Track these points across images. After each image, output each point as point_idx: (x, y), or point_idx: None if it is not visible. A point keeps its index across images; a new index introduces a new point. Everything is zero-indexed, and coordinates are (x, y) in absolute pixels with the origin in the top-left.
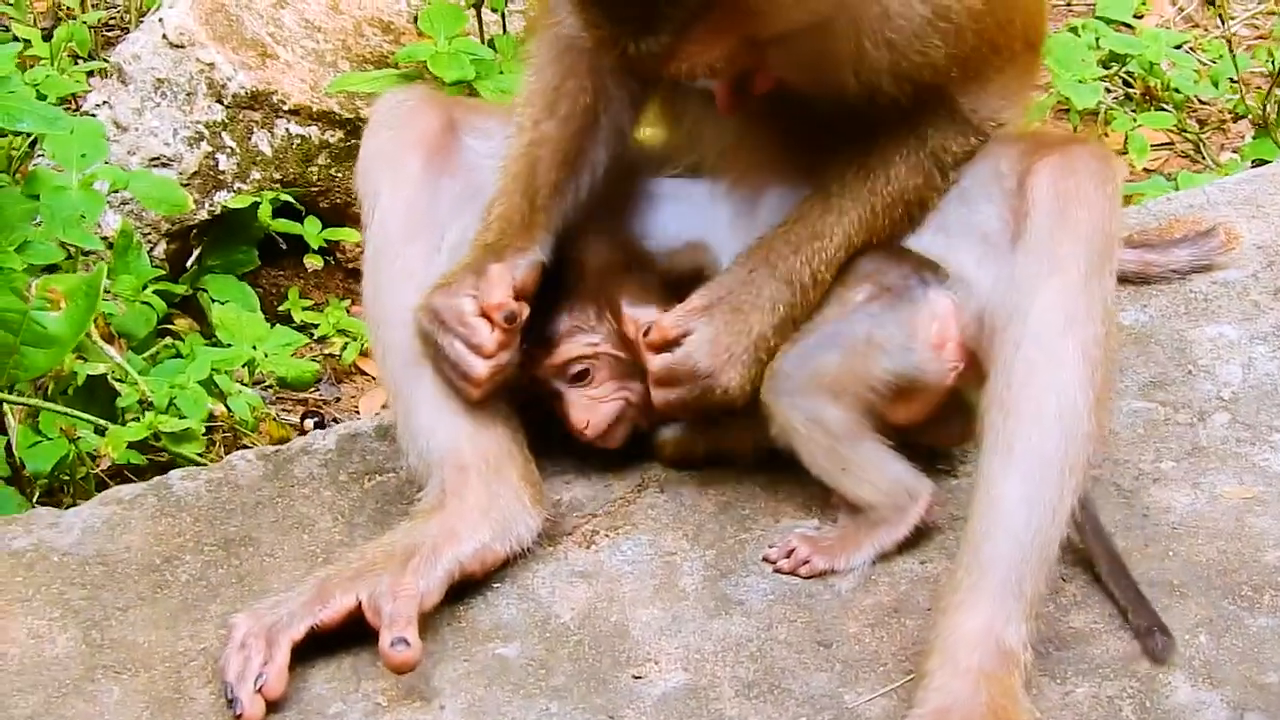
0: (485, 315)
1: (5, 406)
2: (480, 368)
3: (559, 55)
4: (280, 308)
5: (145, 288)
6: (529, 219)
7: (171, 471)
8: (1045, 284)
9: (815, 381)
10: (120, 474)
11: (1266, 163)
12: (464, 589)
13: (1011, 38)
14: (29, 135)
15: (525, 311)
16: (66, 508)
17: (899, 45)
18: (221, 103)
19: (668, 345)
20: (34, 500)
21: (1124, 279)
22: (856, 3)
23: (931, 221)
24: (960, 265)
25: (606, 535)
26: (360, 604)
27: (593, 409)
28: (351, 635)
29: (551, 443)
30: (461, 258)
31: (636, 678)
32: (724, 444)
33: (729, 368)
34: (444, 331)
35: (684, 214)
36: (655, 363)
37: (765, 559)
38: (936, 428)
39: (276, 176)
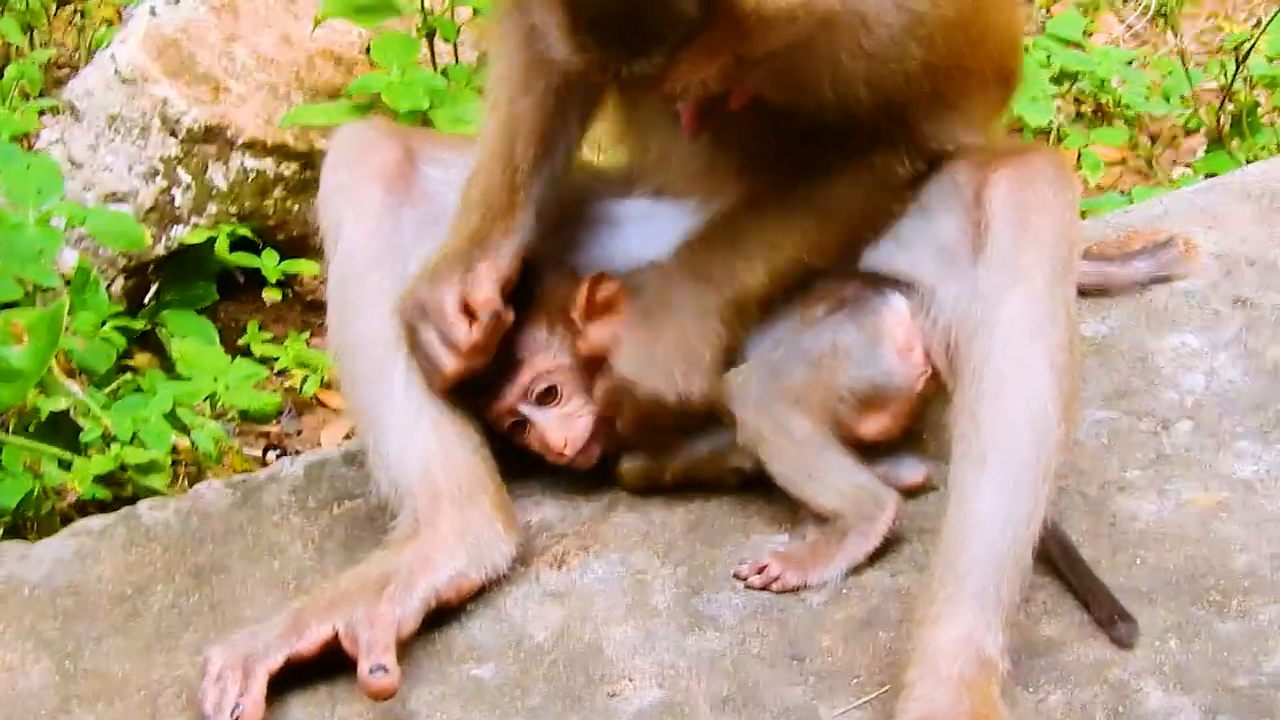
0: (468, 311)
1: None
2: (451, 364)
3: (527, 37)
4: (240, 341)
5: (104, 324)
6: (509, 200)
7: (140, 502)
8: (1010, 294)
9: (782, 393)
10: (85, 511)
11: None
12: (438, 612)
13: (982, 62)
14: None
15: (509, 317)
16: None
17: (876, 55)
18: (176, 137)
19: (596, 359)
20: None
21: (1084, 292)
22: (839, 15)
23: (890, 235)
24: (921, 280)
25: (577, 555)
26: (337, 633)
27: (568, 426)
28: (326, 663)
29: (517, 465)
30: (445, 244)
31: (611, 695)
32: (688, 473)
33: (661, 377)
34: (424, 323)
35: (648, 235)
36: (595, 391)
37: (736, 575)
38: (893, 467)
39: (233, 210)
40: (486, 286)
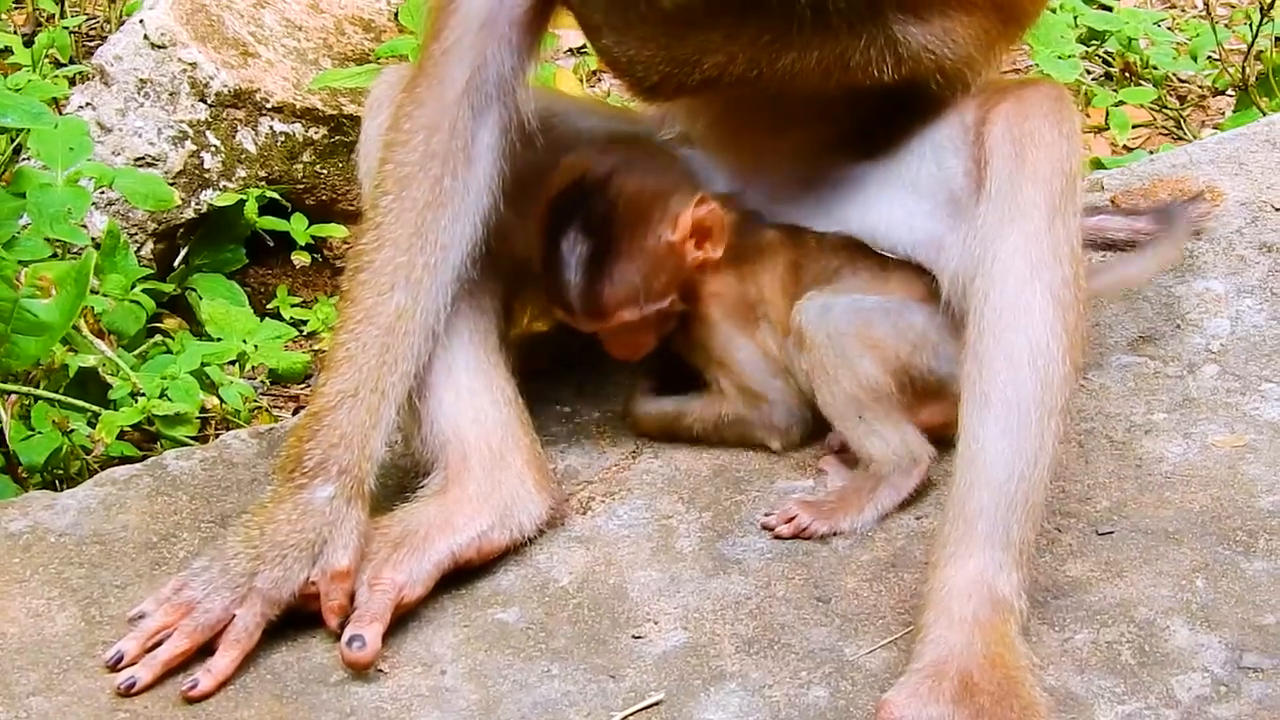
0: None
1: None
2: None
3: None
4: (269, 305)
5: (134, 287)
6: None
7: (166, 452)
8: (1009, 231)
9: (861, 335)
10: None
11: None
12: None
13: None
14: (12, 139)
15: None
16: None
17: None
18: (205, 102)
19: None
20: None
21: (1113, 245)
22: None
23: (904, 178)
24: (934, 227)
25: (602, 501)
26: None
27: (631, 346)
28: None
29: (546, 413)
30: None
31: (636, 638)
32: (709, 434)
33: None
34: None
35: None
36: None
37: (764, 527)
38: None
39: (261, 174)
40: None
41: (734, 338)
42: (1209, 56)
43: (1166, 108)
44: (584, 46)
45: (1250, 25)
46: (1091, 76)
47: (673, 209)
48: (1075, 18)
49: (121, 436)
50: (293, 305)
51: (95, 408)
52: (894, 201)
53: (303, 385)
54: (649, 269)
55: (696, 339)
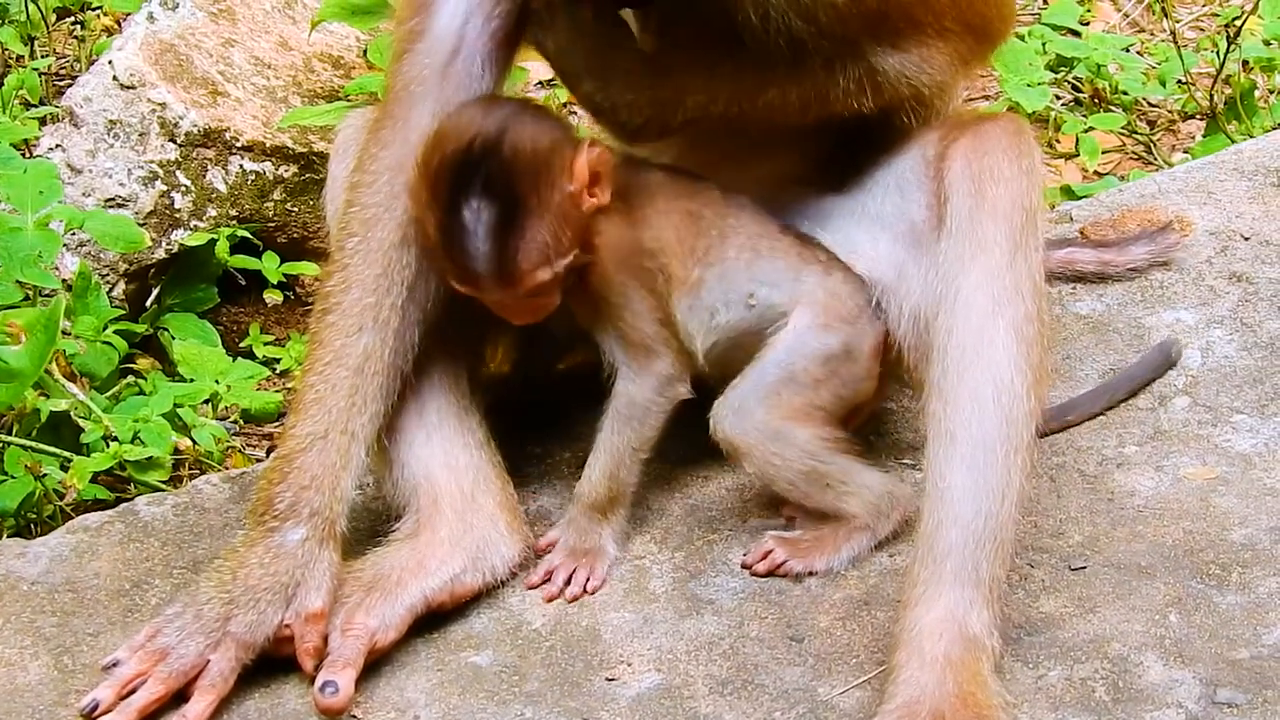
0: None
1: None
2: None
3: None
4: (242, 344)
5: (106, 328)
6: None
7: (138, 498)
8: (970, 267)
9: (782, 414)
10: (86, 512)
11: None
12: None
13: (939, 15)
14: None
15: None
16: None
17: None
18: (175, 141)
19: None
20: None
21: (1083, 278)
22: None
23: (868, 209)
24: (895, 259)
25: None
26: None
27: (534, 309)
28: None
29: (517, 454)
30: None
31: (610, 680)
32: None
33: None
34: None
35: None
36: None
37: (743, 565)
38: None
39: (232, 213)
40: None
41: (628, 290)
42: (1178, 81)
43: (1136, 133)
44: (553, 79)
45: (1217, 51)
46: (1061, 103)
47: (567, 157)
48: (1044, 44)
49: (95, 479)
50: (265, 344)
51: (67, 453)
52: (858, 228)
53: (276, 424)
54: (557, 224)
55: (593, 291)
